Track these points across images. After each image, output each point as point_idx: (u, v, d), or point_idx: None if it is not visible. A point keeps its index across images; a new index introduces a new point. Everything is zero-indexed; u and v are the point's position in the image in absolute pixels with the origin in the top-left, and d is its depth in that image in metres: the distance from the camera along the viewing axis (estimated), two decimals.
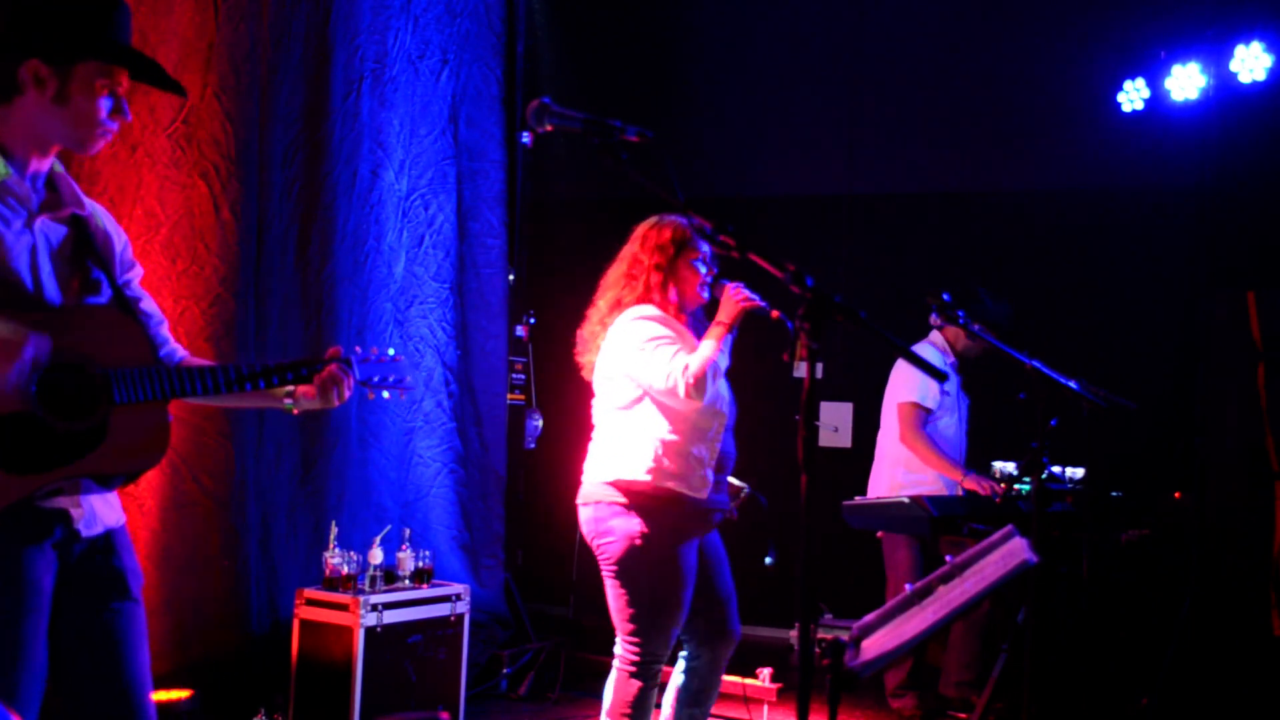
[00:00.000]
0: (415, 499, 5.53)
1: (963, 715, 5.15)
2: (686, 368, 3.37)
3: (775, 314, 3.46)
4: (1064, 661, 4.84)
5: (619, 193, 6.67)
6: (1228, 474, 5.36)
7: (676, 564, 3.45)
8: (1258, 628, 5.14)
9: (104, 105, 2.33)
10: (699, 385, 3.36)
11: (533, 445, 6.46)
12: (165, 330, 2.61)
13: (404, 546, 4.84)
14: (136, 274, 2.56)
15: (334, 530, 4.69)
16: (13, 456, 2.20)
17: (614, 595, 3.50)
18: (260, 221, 4.67)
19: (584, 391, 3.75)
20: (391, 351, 2.76)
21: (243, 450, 4.55)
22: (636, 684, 3.46)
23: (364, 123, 5.18)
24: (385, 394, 2.74)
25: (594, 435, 3.65)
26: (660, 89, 7.18)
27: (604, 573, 3.53)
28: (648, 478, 3.45)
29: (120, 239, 2.52)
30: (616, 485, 3.49)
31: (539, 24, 6.59)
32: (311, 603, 4.49)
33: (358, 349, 2.69)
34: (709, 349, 3.42)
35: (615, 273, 3.68)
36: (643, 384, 3.48)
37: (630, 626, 3.47)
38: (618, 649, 3.51)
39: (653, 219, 3.68)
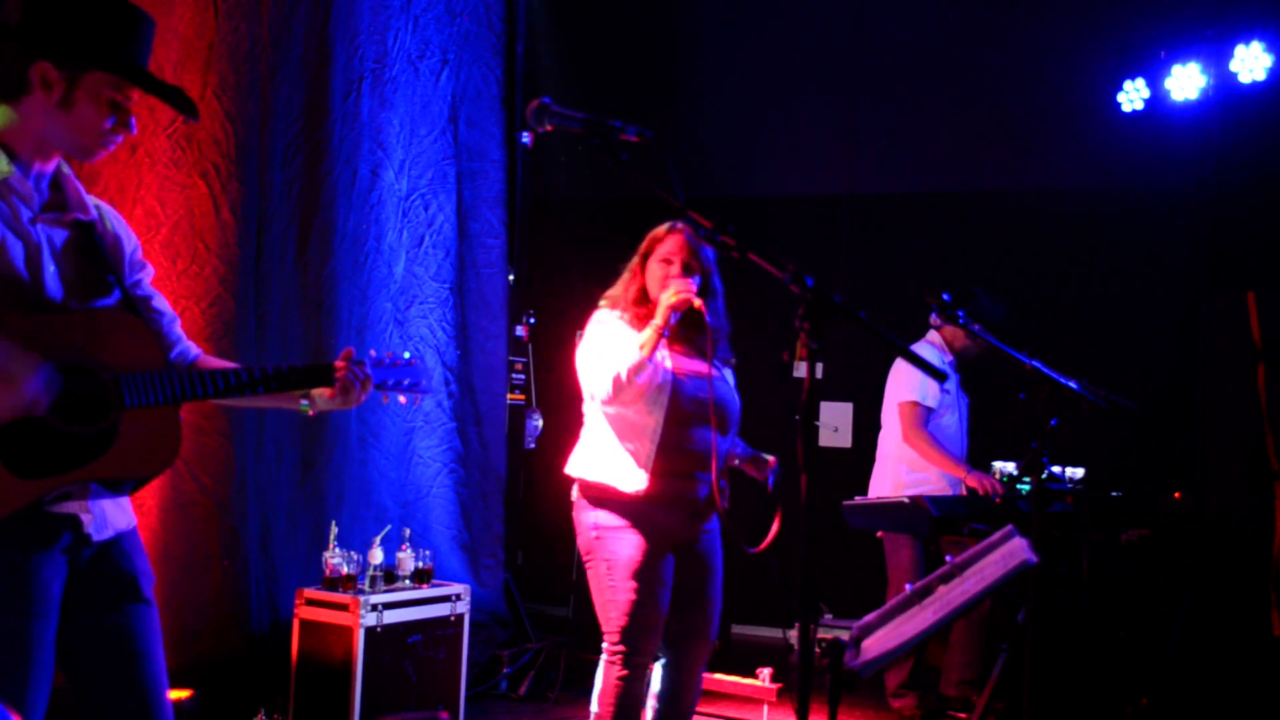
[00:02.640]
0: (415, 499, 5.53)
1: (963, 715, 5.14)
2: (608, 375, 3.43)
3: (698, 304, 3.46)
4: (1064, 661, 4.84)
5: (619, 193, 6.70)
6: (1228, 474, 5.35)
7: (633, 556, 3.48)
8: (1258, 628, 5.14)
9: (109, 117, 2.31)
10: (617, 390, 3.42)
11: (533, 445, 6.46)
12: (178, 329, 2.59)
13: (404, 546, 4.84)
14: (147, 274, 2.55)
15: (334, 530, 4.69)
16: (21, 461, 2.18)
17: (590, 586, 3.60)
18: (260, 221, 4.67)
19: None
20: (407, 355, 2.74)
21: (243, 450, 4.55)
22: (615, 675, 3.50)
23: (364, 123, 5.18)
24: (401, 398, 2.73)
25: None
26: (660, 89, 7.18)
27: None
28: (587, 472, 3.58)
29: (130, 241, 2.51)
30: (576, 480, 3.64)
31: (539, 24, 6.59)
32: (311, 603, 4.49)
33: (372, 352, 2.67)
34: (629, 356, 3.43)
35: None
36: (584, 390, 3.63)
37: (603, 617, 3.54)
38: (604, 641, 3.57)
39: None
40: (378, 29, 5.27)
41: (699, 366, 3.61)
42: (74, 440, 2.23)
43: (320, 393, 2.57)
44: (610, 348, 3.50)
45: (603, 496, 3.54)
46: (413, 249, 5.55)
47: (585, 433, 3.67)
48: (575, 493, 3.65)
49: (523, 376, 6.30)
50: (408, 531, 5.00)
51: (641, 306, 3.60)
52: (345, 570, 4.54)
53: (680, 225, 3.60)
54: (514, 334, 6.18)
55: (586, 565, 3.59)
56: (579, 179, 7.04)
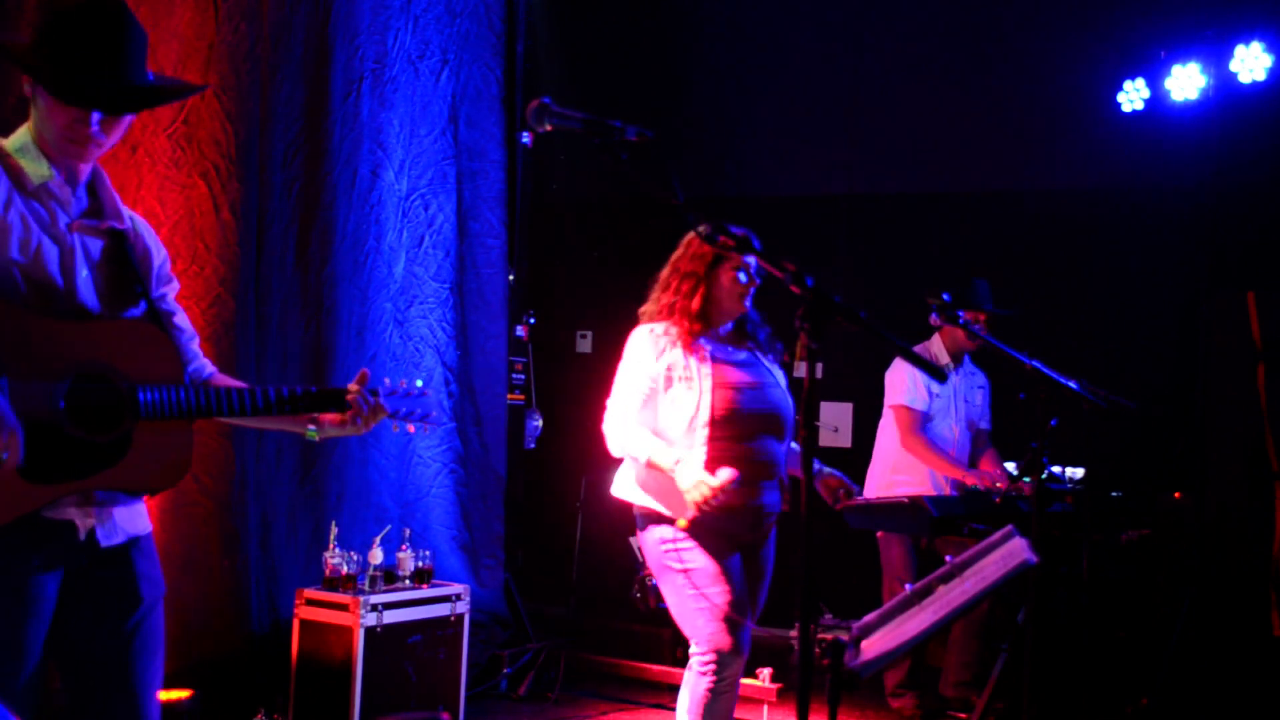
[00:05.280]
0: (415, 499, 5.53)
1: (963, 715, 5.15)
2: (613, 427, 3.47)
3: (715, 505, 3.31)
4: (1064, 661, 4.84)
5: (619, 193, 6.70)
6: (1228, 474, 5.35)
7: (709, 564, 3.41)
8: (1258, 628, 5.14)
9: (64, 115, 2.25)
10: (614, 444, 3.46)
11: (533, 445, 6.46)
12: (195, 345, 2.61)
13: (404, 546, 4.84)
14: (173, 289, 2.56)
15: (334, 530, 4.69)
16: (34, 465, 2.18)
17: (669, 602, 3.54)
18: (260, 221, 4.67)
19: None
20: (420, 384, 2.75)
21: (243, 450, 4.55)
22: (702, 685, 3.42)
23: (364, 123, 5.18)
24: (411, 427, 2.73)
25: None
26: (660, 89, 7.18)
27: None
28: (641, 498, 3.52)
29: (160, 254, 2.53)
30: (634, 506, 3.57)
31: (539, 24, 6.58)
32: (311, 603, 4.49)
33: (386, 380, 2.67)
34: (641, 451, 3.41)
35: (661, 276, 3.67)
36: None
37: (689, 629, 3.48)
38: (691, 653, 3.50)
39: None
40: (378, 29, 5.27)
41: (755, 376, 3.53)
42: (86, 447, 2.24)
43: (328, 418, 2.58)
44: (632, 383, 3.48)
45: (663, 517, 3.46)
46: (413, 249, 5.55)
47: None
48: (638, 515, 3.56)
49: (523, 376, 6.29)
50: (408, 531, 5.00)
51: (700, 323, 3.52)
52: (345, 570, 4.54)
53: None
54: (514, 334, 6.18)
55: (661, 582, 3.52)
56: (579, 179, 7.04)
